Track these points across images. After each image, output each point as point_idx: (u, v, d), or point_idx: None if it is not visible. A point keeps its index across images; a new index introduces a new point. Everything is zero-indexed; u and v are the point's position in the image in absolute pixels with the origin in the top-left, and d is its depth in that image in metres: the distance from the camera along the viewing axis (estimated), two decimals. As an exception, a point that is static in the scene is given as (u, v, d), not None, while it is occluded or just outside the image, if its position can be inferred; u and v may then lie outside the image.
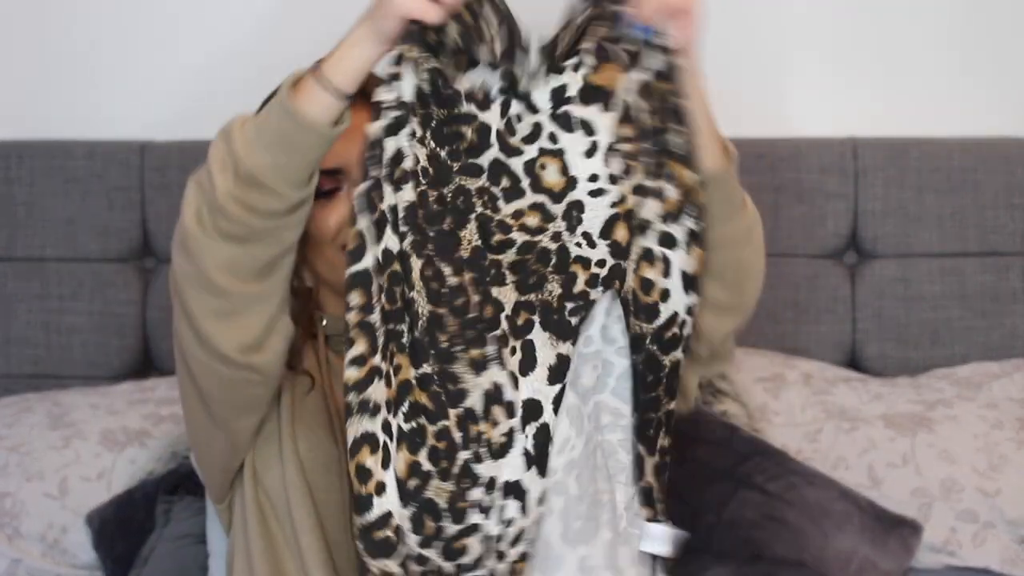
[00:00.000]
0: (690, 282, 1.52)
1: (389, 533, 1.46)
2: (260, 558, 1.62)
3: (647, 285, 1.51)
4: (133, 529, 2.00)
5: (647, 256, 1.51)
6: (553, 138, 1.48)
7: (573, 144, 1.48)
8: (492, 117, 1.47)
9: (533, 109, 1.47)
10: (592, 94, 1.48)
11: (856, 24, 2.39)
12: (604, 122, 1.48)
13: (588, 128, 1.48)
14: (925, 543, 2.00)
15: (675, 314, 1.51)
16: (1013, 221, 2.31)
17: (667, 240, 1.51)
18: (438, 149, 1.47)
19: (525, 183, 1.48)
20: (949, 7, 2.38)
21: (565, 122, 1.48)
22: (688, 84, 1.52)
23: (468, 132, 1.48)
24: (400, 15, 1.46)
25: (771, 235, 2.28)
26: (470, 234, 1.48)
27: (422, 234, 1.46)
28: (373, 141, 1.47)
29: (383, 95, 1.47)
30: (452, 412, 1.46)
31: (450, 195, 1.47)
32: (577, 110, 1.48)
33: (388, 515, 1.46)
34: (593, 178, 1.49)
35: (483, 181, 1.48)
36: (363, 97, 1.66)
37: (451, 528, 1.46)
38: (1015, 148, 2.33)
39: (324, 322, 1.71)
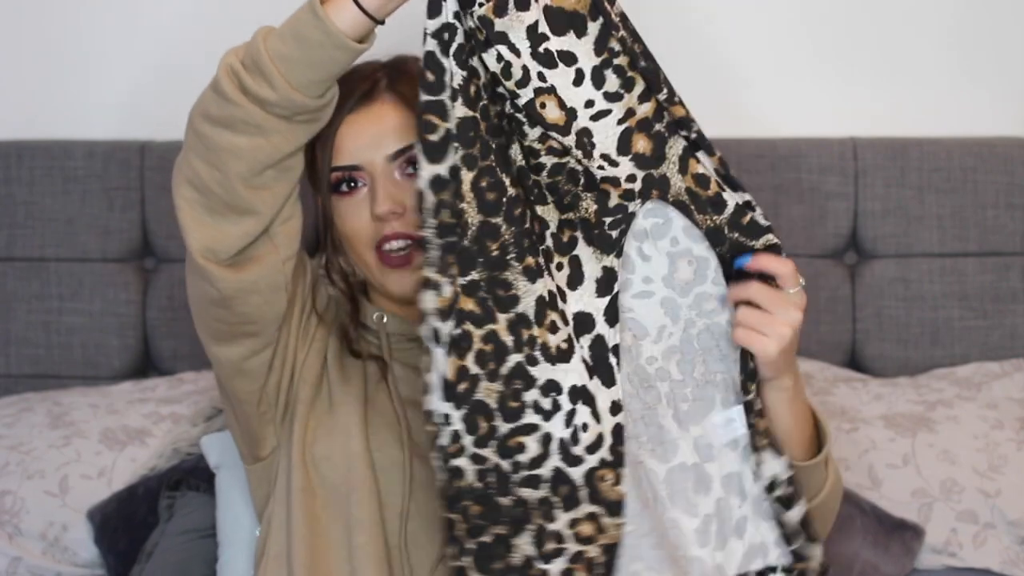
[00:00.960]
0: (732, 183, 1.53)
1: (429, 430, 1.50)
2: (301, 545, 1.60)
3: (702, 180, 1.51)
4: (135, 524, 2.00)
5: (691, 153, 1.51)
6: (542, 77, 1.47)
7: (560, 78, 1.47)
8: (490, 60, 1.47)
9: (516, 52, 1.46)
10: (560, 21, 1.46)
11: (856, 24, 2.39)
12: (582, 48, 1.47)
13: (568, 58, 1.46)
14: (925, 544, 2.01)
15: (747, 201, 1.52)
16: (1013, 221, 2.31)
17: (692, 144, 1.52)
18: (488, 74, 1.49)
19: (532, 121, 1.48)
20: (949, 7, 2.39)
21: (547, 60, 1.46)
22: (782, 393, 1.55)
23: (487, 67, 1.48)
24: None
25: (771, 235, 2.30)
26: (515, 153, 1.51)
27: (484, 146, 1.47)
28: (429, 62, 1.46)
29: (430, 23, 1.46)
30: (502, 316, 1.49)
31: (502, 115, 1.49)
32: (554, 44, 1.46)
33: (429, 414, 1.50)
34: (589, 103, 1.48)
35: (509, 107, 1.49)
36: (393, 92, 1.65)
37: (504, 427, 1.49)
38: (1015, 148, 2.33)
39: (384, 319, 1.69)
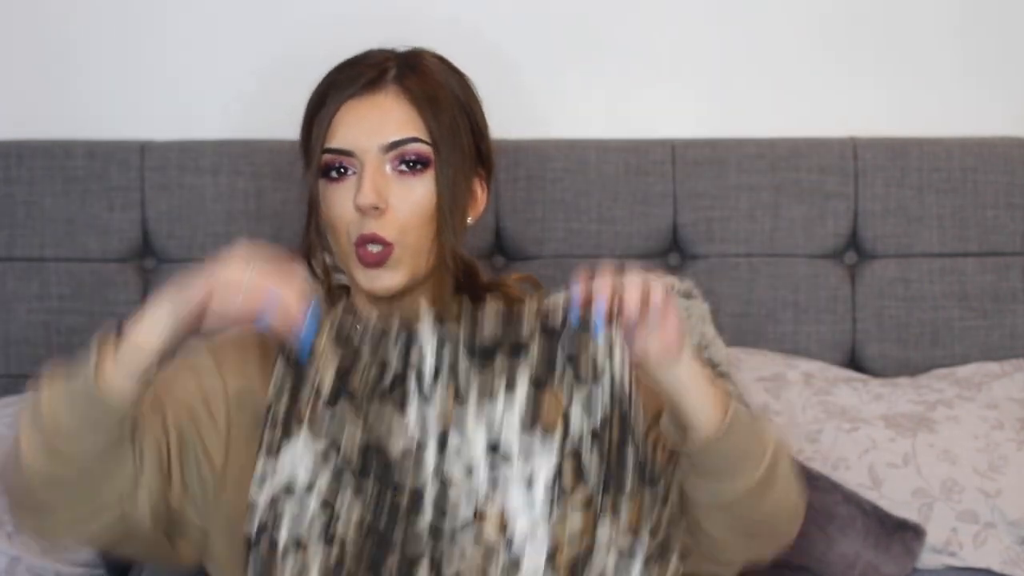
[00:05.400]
0: None
1: None
2: None
3: None
4: (134, 525, 1.99)
5: None
6: (491, 482, 1.42)
7: (512, 482, 1.41)
8: (426, 478, 1.41)
9: (469, 447, 1.41)
10: (530, 423, 1.41)
11: (857, 24, 2.39)
12: (548, 455, 1.41)
13: (527, 461, 1.41)
14: (926, 544, 2.00)
15: None
16: (1013, 221, 2.31)
17: (620, 558, 1.43)
18: (376, 522, 1.41)
19: (465, 538, 1.41)
20: (951, 6, 2.39)
21: (503, 460, 1.41)
22: (670, 371, 1.45)
23: (402, 501, 1.41)
24: (200, 295, 1.40)
25: (771, 235, 2.31)
26: None
27: None
28: (259, 533, 1.42)
29: (255, 493, 1.42)
30: None
31: (393, 567, 1.41)
32: (515, 443, 1.41)
33: None
34: (532, 517, 1.41)
35: (424, 544, 1.41)
36: (400, 85, 1.57)
37: None
38: (1015, 148, 2.33)
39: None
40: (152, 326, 1.43)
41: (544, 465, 1.41)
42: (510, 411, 1.42)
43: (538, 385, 1.42)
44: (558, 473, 1.41)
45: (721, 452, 1.47)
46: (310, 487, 1.42)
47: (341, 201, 1.57)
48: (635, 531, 1.43)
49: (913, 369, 2.30)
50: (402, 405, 1.43)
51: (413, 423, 1.43)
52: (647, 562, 1.43)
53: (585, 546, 1.41)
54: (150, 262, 2.34)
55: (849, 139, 2.33)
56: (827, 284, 2.31)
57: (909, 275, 2.31)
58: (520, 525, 1.41)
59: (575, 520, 1.41)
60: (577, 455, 1.41)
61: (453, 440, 1.43)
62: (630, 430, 1.42)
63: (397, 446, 1.42)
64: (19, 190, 2.32)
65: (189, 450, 1.54)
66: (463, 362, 1.43)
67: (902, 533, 1.98)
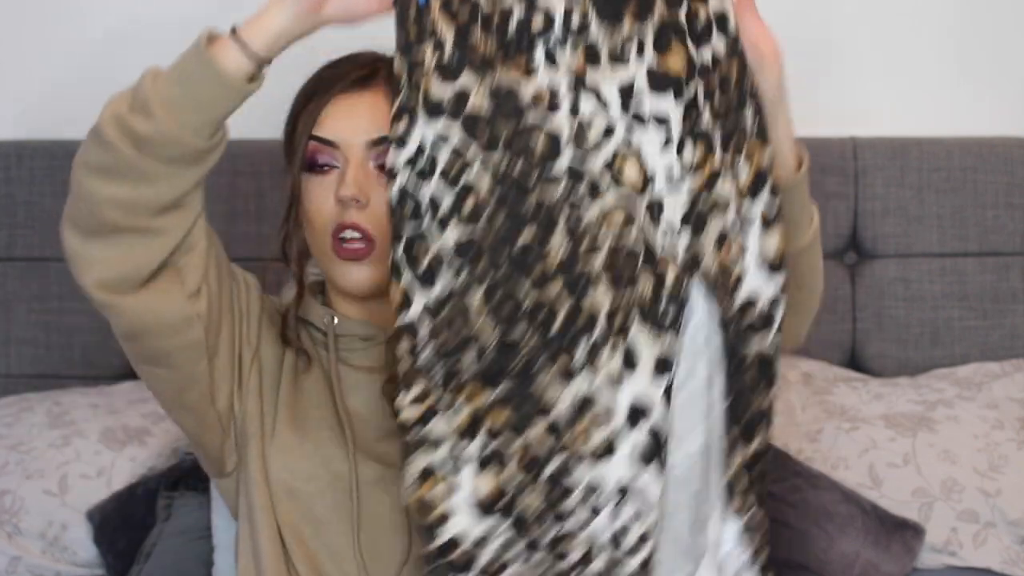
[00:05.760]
0: (772, 264, 1.47)
1: (453, 558, 1.43)
2: (271, 563, 1.57)
3: (723, 269, 1.46)
4: (134, 524, 2.00)
5: (721, 239, 1.45)
6: (627, 136, 1.43)
7: (647, 139, 1.43)
8: (561, 123, 1.42)
9: (604, 105, 1.42)
10: (661, 81, 1.43)
11: (856, 24, 2.39)
12: (677, 111, 1.43)
13: (661, 120, 1.43)
14: (926, 543, 2.00)
15: (751, 302, 1.46)
16: (1013, 221, 2.31)
17: (742, 221, 1.47)
18: (510, 168, 1.42)
19: (604, 185, 1.43)
20: (949, 7, 2.39)
21: (637, 118, 1.43)
22: (768, 84, 1.52)
23: (537, 144, 1.42)
24: None
25: (771, 235, 2.31)
26: (557, 245, 1.43)
27: (490, 261, 1.42)
28: (400, 199, 1.41)
29: (394, 158, 1.41)
30: (535, 427, 1.43)
31: (531, 211, 1.42)
32: (648, 103, 1.43)
33: (453, 542, 1.43)
34: (669, 172, 1.43)
35: (562, 190, 1.42)
36: (391, 83, 1.58)
37: (549, 534, 1.44)
38: (1015, 148, 2.33)
39: (336, 320, 1.64)
40: (269, 30, 1.46)
41: (673, 120, 1.43)
42: (640, 70, 1.43)
43: (662, 46, 1.43)
44: (682, 128, 1.44)
45: (793, 198, 1.53)
46: (435, 164, 1.41)
47: (322, 194, 1.59)
48: (754, 192, 1.47)
49: (913, 369, 2.30)
50: (528, 70, 1.43)
51: (541, 81, 1.43)
52: (767, 225, 1.47)
53: (708, 202, 1.45)
54: (150, 262, 2.34)
55: (849, 139, 2.33)
56: (827, 284, 2.28)
57: (909, 275, 2.31)
58: (658, 175, 1.44)
59: (696, 173, 1.44)
60: (696, 110, 1.44)
61: (587, 98, 1.43)
62: (746, 88, 1.47)
63: (528, 92, 1.42)
64: (19, 190, 2.32)
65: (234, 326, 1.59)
66: (593, 26, 1.43)
67: (902, 532, 1.98)
